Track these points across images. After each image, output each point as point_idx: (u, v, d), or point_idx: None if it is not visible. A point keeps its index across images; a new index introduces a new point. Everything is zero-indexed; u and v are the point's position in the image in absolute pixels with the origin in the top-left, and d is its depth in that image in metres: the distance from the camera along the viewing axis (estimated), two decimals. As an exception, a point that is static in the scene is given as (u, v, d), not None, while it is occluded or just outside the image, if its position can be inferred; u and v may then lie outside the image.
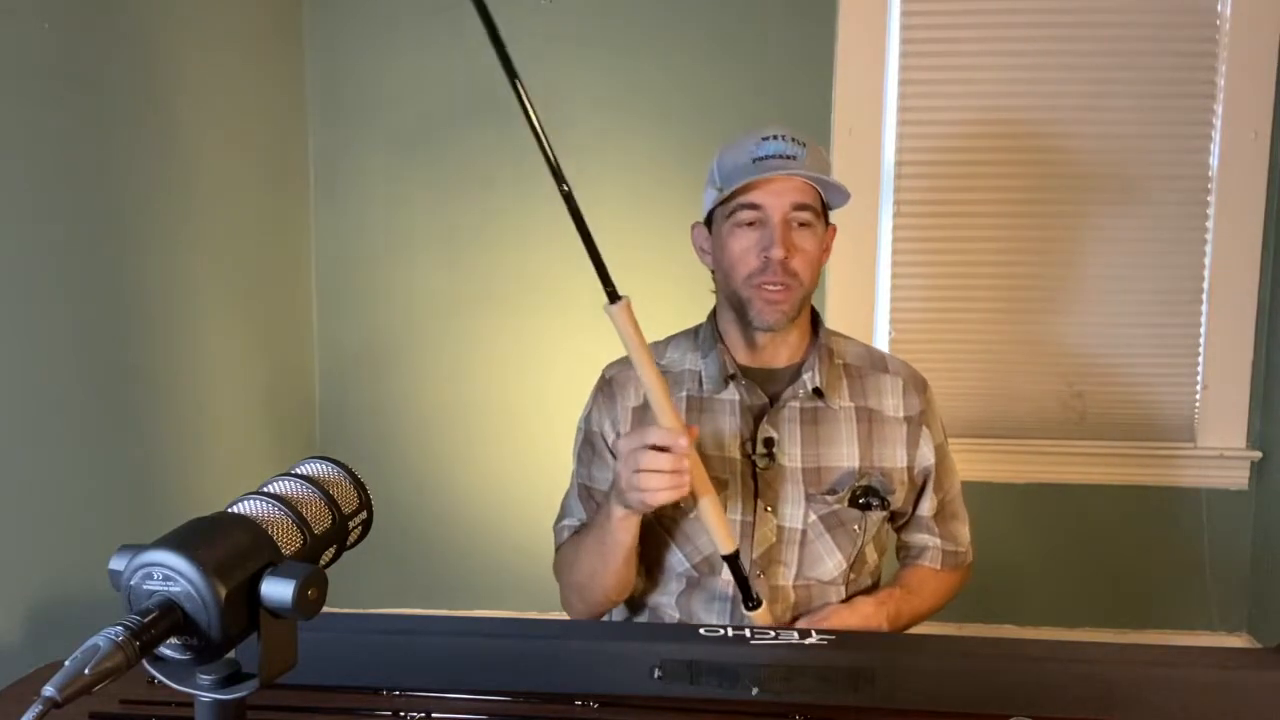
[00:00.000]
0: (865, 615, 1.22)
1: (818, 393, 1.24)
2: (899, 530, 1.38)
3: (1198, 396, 2.35)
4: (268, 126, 2.28)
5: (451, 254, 2.45)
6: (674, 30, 2.35)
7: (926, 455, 1.30)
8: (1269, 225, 2.28)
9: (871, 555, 1.31)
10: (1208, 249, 2.30)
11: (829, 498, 1.22)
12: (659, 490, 1.07)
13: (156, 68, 1.83)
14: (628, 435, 1.12)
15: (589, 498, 1.33)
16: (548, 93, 2.37)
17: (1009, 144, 2.31)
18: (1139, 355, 2.36)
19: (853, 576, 1.27)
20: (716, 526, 1.13)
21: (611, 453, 1.31)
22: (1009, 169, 2.32)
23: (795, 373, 1.26)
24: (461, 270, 2.45)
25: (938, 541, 1.35)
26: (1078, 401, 2.36)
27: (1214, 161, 2.27)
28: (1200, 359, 2.34)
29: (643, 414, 1.29)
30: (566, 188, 1.09)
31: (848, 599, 1.27)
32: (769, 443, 1.23)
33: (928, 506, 1.33)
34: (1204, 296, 2.32)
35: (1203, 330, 2.33)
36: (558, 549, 1.36)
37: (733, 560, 1.16)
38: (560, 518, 1.38)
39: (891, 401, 1.27)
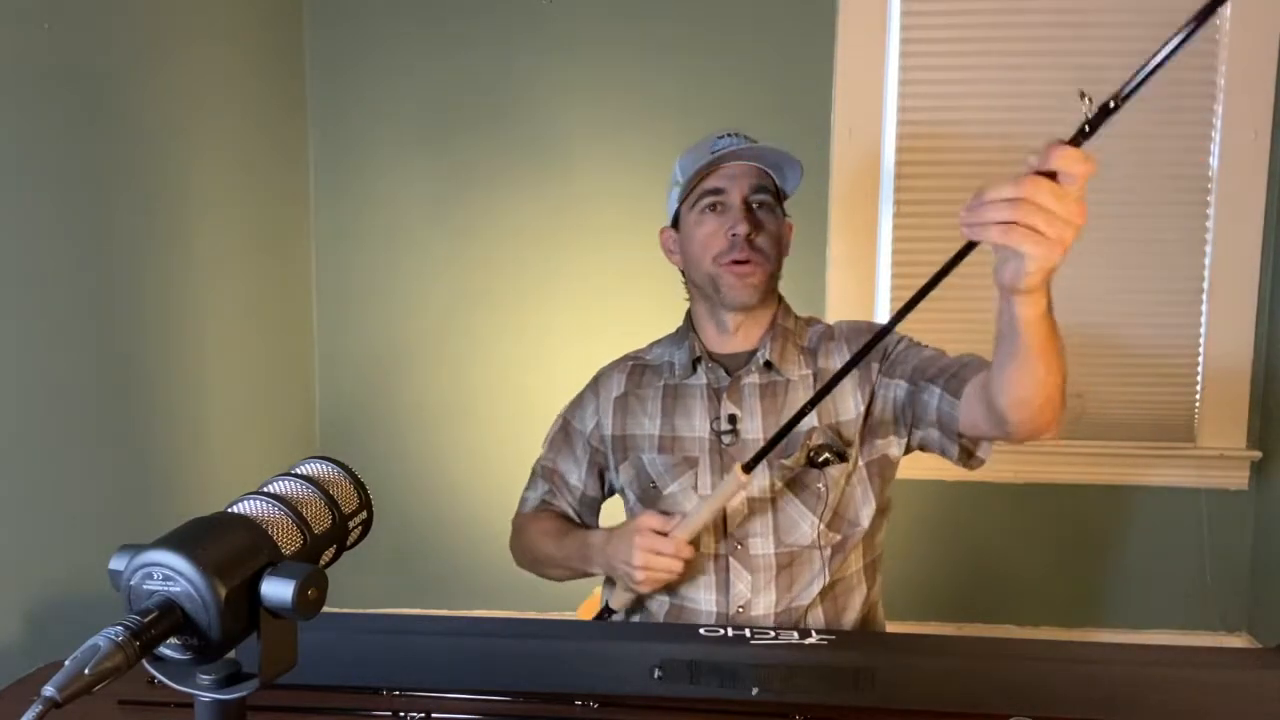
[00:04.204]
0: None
1: (769, 365, 1.30)
2: (941, 410, 1.21)
3: (1198, 396, 2.35)
4: (268, 127, 2.28)
5: (451, 255, 2.45)
6: (674, 31, 2.35)
7: (878, 375, 1.28)
8: (1269, 225, 2.28)
9: (862, 517, 1.27)
10: (1208, 249, 2.30)
11: (785, 461, 1.26)
12: (646, 574, 1.16)
13: (156, 69, 1.83)
14: (646, 514, 1.19)
15: (549, 477, 1.42)
16: (547, 93, 2.38)
17: (1009, 144, 2.31)
18: (1139, 355, 2.36)
19: (835, 537, 1.26)
20: None
21: (591, 446, 1.39)
22: (1009, 169, 2.31)
23: (754, 353, 1.33)
24: (461, 271, 2.45)
25: (950, 363, 1.21)
26: (1077, 401, 2.35)
27: (1214, 161, 2.27)
28: (1200, 359, 2.34)
29: (624, 403, 1.36)
30: None
31: (832, 562, 1.26)
32: (733, 419, 1.29)
33: (907, 372, 1.24)
34: (1204, 296, 2.32)
35: (1203, 330, 2.33)
36: (521, 513, 1.45)
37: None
38: (528, 487, 1.46)
39: (839, 360, 1.29)
